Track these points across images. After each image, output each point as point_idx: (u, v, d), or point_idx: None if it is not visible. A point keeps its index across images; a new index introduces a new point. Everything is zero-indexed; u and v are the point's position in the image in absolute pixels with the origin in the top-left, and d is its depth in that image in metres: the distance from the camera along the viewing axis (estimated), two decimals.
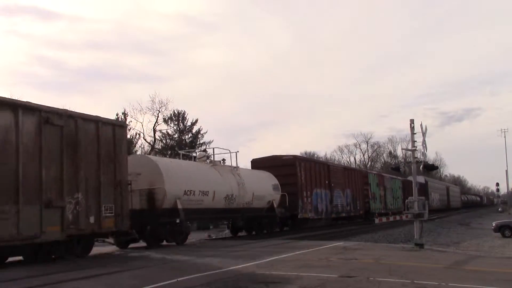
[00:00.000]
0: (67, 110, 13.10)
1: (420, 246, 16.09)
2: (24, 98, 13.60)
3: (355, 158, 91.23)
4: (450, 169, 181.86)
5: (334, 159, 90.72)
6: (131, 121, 45.72)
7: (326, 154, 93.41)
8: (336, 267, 10.70)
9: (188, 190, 17.74)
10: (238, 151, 21.96)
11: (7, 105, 11.12)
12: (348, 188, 32.42)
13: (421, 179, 50.59)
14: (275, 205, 23.60)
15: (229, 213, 21.10)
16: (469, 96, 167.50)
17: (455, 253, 16.98)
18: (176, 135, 48.10)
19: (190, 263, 11.81)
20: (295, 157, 27.70)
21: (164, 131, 47.40)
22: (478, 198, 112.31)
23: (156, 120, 44.83)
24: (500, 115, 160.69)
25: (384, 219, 36.99)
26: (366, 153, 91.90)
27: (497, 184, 78.40)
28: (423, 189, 49.37)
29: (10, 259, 12.67)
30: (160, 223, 16.74)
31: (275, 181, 24.12)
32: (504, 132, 72.88)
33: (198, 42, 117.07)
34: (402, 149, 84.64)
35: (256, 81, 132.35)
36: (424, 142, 16.77)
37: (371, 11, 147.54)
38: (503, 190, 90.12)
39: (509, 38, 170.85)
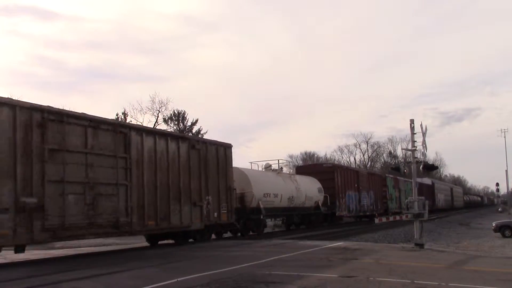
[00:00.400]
0: (202, 137, 19.76)
1: (420, 246, 16.09)
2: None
3: (355, 158, 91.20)
4: (450, 169, 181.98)
5: (334, 159, 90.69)
6: (131, 121, 45.79)
7: (326, 154, 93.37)
8: (336, 267, 10.70)
9: (265, 193, 23.35)
10: (291, 163, 27.35)
11: (171, 136, 17.00)
12: (371, 190, 37.03)
13: (428, 181, 56.67)
14: (320, 204, 28.91)
15: (290, 211, 26.40)
16: (469, 96, 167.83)
17: (455, 253, 16.98)
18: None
19: (190, 263, 11.82)
20: (334, 165, 34.93)
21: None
22: (479, 198, 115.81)
23: (156, 120, 44.90)
24: (500, 115, 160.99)
25: (384, 219, 37.34)
26: (366, 153, 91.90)
27: (497, 184, 78.29)
28: (431, 190, 54.90)
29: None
30: (249, 218, 22.42)
31: (319, 184, 29.49)
32: (504, 132, 72.78)
33: (198, 42, 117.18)
34: (402, 149, 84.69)
35: (256, 81, 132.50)
36: (424, 142, 16.78)
37: (371, 11, 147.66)
38: (503, 190, 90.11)
39: (509, 38, 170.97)
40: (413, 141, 16.92)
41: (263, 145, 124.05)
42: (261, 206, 22.51)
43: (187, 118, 48.78)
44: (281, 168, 27.89)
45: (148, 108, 44.23)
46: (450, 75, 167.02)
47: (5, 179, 10.98)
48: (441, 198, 61.65)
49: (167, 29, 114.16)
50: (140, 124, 33.34)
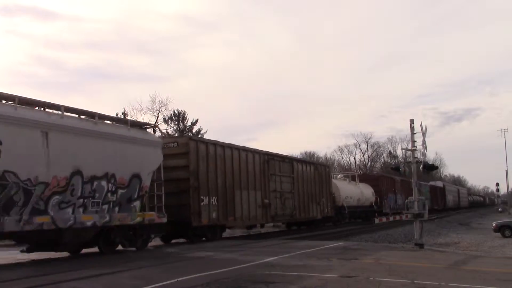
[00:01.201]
0: (318, 161, 39.01)
1: (420, 246, 16.10)
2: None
3: (355, 158, 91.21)
4: (450, 169, 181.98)
5: (334, 159, 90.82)
6: None
7: (326, 154, 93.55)
8: (336, 267, 10.71)
9: (346, 196, 33.96)
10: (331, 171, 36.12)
11: (308, 163, 29.59)
12: (403, 193, 45.19)
13: (440, 184, 67.34)
14: (373, 204, 38.80)
15: (357, 208, 36.24)
16: (469, 96, 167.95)
17: (455, 253, 16.98)
18: (176, 135, 48.10)
19: (190, 263, 11.82)
20: (382, 175, 46.56)
21: (164, 131, 47.42)
22: (482, 199, 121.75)
23: (156, 120, 44.86)
24: (499, 115, 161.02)
25: (384, 219, 37.61)
26: (366, 153, 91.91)
27: (497, 184, 78.50)
28: (442, 192, 64.04)
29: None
30: (339, 213, 32.43)
31: (372, 189, 39.53)
32: (504, 132, 72.87)
33: (198, 42, 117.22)
34: (402, 149, 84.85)
35: (256, 81, 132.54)
36: (424, 142, 16.79)
37: (371, 11, 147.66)
38: (503, 190, 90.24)
39: (509, 38, 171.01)
40: (413, 141, 16.93)
41: (263, 145, 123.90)
42: (345, 204, 33.35)
43: (187, 118, 48.82)
44: (348, 177, 39.85)
45: (148, 108, 44.26)
46: (450, 75, 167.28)
47: (256, 190, 21.68)
48: (450, 198, 69.36)
49: (167, 29, 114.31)
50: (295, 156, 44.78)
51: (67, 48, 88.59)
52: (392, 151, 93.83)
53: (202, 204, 17.77)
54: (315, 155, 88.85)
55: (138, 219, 14.59)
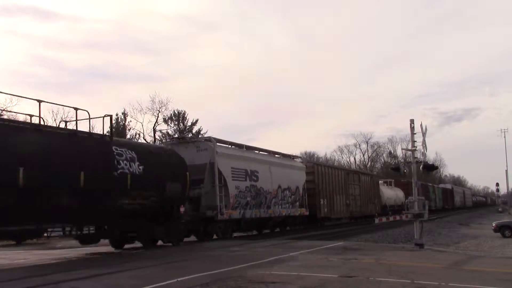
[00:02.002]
0: (374, 174, 52.56)
1: (420, 246, 16.09)
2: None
3: (355, 158, 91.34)
4: (450, 169, 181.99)
5: (334, 159, 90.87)
6: (130, 121, 45.81)
7: (326, 154, 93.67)
8: (336, 267, 10.71)
9: (387, 197, 44.55)
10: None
11: (366, 174, 42.87)
12: (422, 194, 56.10)
13: (449, 186, 79.10)
14: (403, 204, 46.67)
15: (393, 207, 45.17)
16: (468, 96, 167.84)
17: (455, 253, 16.98)
18: (176, 135, 48.10)
19: (190, 263, 11.82)
20: (408, 181, 53.43)
21: (164, 131, 47.43)
22: (484, 199, 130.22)
23: (156, 120, 44.87)
24: (499, 115, 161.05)
25: (384, 219, 37.74)
26: (366, 153, 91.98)
27: (497, 184, 78.44)
28: (451, 193, 73.15)
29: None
30: (383, 211, 41.77)
31: (402, 192, 48.60)
32: (504, 132, 72.82)
33: (198, 42, 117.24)
34: (402, 149, 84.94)
35: (256, 81, 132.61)
36: (424, 142, 16.78)
37: (371, 11, 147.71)
38: (503, 190, 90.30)
39: (508, 38, 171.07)
40: (413, 141, 16.92)
41: (263, 145, 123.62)
42: (386, 204, 43.92)
43: (187, 118, 48.83)
44: (387, 181, 50.43)
45: (148, 108, 44.23)
46: (450, 75, 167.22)
47: (341, 195, 31.61)
48: (457, 199, 78.91)
49: (167, 29, 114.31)
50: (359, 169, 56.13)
51: (67, 48, 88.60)
52: (392, 151, 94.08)
53: (321, 204, 29.02)
54: (315, 155, 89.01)
55: (299, 212, 26.15)
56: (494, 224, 28.40)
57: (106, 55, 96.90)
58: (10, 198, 11.21)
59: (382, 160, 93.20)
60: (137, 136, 44.35)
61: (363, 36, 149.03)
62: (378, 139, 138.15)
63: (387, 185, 49.42)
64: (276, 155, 25.52)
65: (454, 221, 45.87)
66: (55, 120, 36.62)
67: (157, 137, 45.81)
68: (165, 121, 46.83)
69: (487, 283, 8.79)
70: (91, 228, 14.54)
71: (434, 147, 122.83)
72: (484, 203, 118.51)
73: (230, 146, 21.87)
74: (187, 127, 48.82)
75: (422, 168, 17.47)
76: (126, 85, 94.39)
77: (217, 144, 20.25)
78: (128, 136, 43.54)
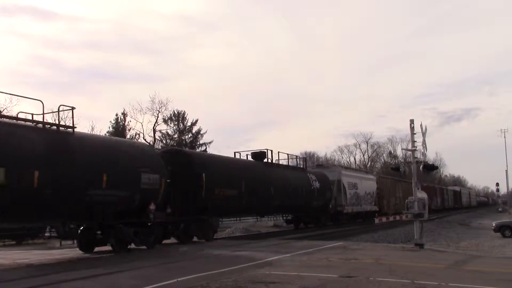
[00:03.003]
0: (407, 181, 36.43)
1: (420, 246, 16.08)
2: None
3: (355, 158, 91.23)
4: (450, 169, 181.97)
5: (334, 159, 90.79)
6: (130, 121, 45.78)
7: (326, 154, 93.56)
8: (336, 267, 10.70)
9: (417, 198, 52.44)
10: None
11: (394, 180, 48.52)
12: (438, 196, 64.02)
13: (457, 188, 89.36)
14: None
15: None
16: (468, 96, 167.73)
17: (455, 253, 16.97)
18: (176, 135, 48.11)
19: (190, 263, 11.82)
20: (428, 185, 59.29)
21: (164, 131, 47.43)
22: (486, 199, 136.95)
23: (156, 120, 44.83)
24: (498, 115, 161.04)
25: (384, 219, 37.80)
26: (366, 153, 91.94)
27: (497, 184, 78.33)
28: (458, 194, 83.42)
29: None
30: None
31: (426, 194, 56.57)
32: (504, 132, 72.73)
33: (197, 42, 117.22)
34: (402, 149, 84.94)
35: (256, 81, 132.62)
36: (424, 142, 16.76)
37: (370, 11, 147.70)
38: (503, 190, 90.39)
39: (508, 38, 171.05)
40: (413, 141, 16.90)
41: (263, 145, 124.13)
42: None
43: (187, 118, 48.81)
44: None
45: (148, 108, 44.17)
46: (449, 75, 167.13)
47: (393, 197, 44.74)
48: (464, 199, 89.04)
49: (167, 29, 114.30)
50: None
51: (67, 48, 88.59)
52: (392, 151, 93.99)
53: (384, 203, 41.35)
54: (315, 155, 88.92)
55: (374, 208, 38.19)
56: (494, 224, 28.40)
57: (106, 55, 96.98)
58: None
59: (382, 160, 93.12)
60: (137, 136, 44.36)
61: (363, 36, 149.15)
62: (378, 139, 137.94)
63: (419, 186, 66.01)
64: (364, 172, 45.13)
65: (454, 221, 45.88)
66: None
67: (157, 137, 45.87)
68: (165, 121, 46.83)
69: (487, 283, 8.79)
70: None
71: (434, 147, 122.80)
72: (486, 203, 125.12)
73: (345, 168, 39.98)
74: (187, 127, 48.81)
75: (422, 168, 17.45)
76: (126, 85, 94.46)
77: (342, 168, 38.12)
78: (128, 136, 43.52)
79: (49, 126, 13.26)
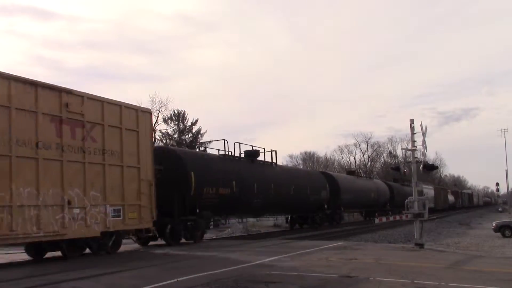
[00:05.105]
0: (445, 188, 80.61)
1: (420, 246, 16.07)
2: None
3: (355, 158, 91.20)
4: (450, 169, 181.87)
5: (334, 159, 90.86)
6: None
7: (326, 154, 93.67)
8: (336, 267, 10.70)
9: (449, 199, 76.98)
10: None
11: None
12: (452, 194, 79.51)
13: (469, 191, 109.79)
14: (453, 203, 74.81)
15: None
16: (467, 96, 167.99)
17: (455, 253, 16.95)
18: (176, 135, 48.11)
19: (190, 263, 11.82)
20: (456, 190, 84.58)
21: (164, 131, 47.47)
22: (489, 199, 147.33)
23: (156, 120, 44.87)
24: (498, 115, 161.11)
25: (384, 219, 37.61)
26: (366, 153, 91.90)
27: (497, 184, 78.48)
28: (471, 196, 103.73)
29: None
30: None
31: (453, 196, 77.73)
32: (504, 132, 72.89)
33: (197, 42, 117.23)
34: (402, 149, 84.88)
35: (255, 81, 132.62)
36: (424, 142, 16.74)
37: (370, 11, 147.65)
38: (503, 190, 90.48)
39: (507, 38, 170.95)
40: (413, 141, 16.89)
41: (263, 145, 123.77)
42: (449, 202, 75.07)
43: (187, 118, 48.83)
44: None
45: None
46: (448, 75, 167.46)
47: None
48: (475, 200, 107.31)
49: (167, 29, 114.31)
50: None
51: (66, 48, 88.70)
52: (392, 151, 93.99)
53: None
54: (315, 155, 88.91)
55: None
56: (494, 224, 28.42)
57: (105, 55, 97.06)
58: None
59: (382, 160, 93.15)
60: None
61: (363, 36, 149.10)
62: (378, 139, 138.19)
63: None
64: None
65: (454, 221, 45.87)
66: None
67: (157, 137, 45.87)
68: (165, 121, 46.89)
69: (487, 283, 8.78)
70: None
71: (434, 147, 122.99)
72: (489, 202, 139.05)
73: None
74: (187, 127, 48.81)
75: (422, 168, 17.43)
76: (126, 85, 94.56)
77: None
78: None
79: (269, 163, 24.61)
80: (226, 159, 21.54)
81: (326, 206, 30.52)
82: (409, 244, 18.71)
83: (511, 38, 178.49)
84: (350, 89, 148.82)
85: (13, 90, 11.47)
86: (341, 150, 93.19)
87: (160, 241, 17.60)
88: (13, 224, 11.02)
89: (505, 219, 33.29)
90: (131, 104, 15.18)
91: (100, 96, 14.09)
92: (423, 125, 16.76)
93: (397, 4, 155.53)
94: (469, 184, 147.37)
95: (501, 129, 73.12)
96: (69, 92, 12.98)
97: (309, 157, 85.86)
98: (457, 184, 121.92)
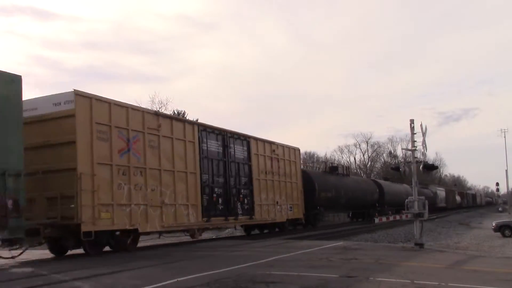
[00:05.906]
0: (458, 190, 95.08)
1: (420, 246, 16.08)
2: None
3: (355, 158, 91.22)
4: (450, 169, 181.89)
5: (334, 159, 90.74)
6: None
7: (326, 154, 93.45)
8: (336, 267, 10.70)
9: (457, 199, 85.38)
10: None
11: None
12: (462, 197, 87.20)
13: (472, 191, 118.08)
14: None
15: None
16: (467, 96, 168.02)
17: (455, 253, 16.96)
18: None
19: (190, 263, 11.83)
20: (461, 191, 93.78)
21: None
22: (491, 199, 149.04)
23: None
24: (497, 115, 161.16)
25: (384, 219, 37.62)
26: (366, 153, 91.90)
27: (497, 184, 78.60)
28: (475, 196, 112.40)
29: None
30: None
31: (460, 197, 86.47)
32: (504, 132, 72.93)
33: (197, 42, 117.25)
34: (402, 149, 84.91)
35: (255, 81, 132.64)
36: (424, 142, 16.74)
37: (370, 11, 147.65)
38: (503, 190, 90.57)
39: (507, 38, 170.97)
40: (413, 141, 16.89)
41: None
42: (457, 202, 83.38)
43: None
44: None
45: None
46: (448, 75, 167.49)
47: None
48: (478, 200, 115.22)
49: (166, 29, 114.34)
50: None
51: (66, 48, 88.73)
52: (392, 151, 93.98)
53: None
54: (315, 155, 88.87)
55: None
56: (494, 224, 28.45)
57: (105, 55, 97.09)
58: None
59: (382, 160, 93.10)
60: None
61: (362, 36, 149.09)
62: (378, 139, 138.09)
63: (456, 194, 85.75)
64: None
65: (454, 220, 45.87)
66: None
67: None
68: None
69: (487, 283, 8.78)
70: None
71: (434, 147, 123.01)
72: (491, 202, 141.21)
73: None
74: None
75: (422, 168, 17.44)
76: (126, 85, 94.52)
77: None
78: None
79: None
80: (326, 173, 33.53)
81: (377, 205, 40.73)
82: (409, 244, 18.73)
83: (511, 38, 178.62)
84: (350, 89, 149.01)
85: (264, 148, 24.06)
86: (341, 150, 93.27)
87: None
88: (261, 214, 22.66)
89: (505, 219, 33.31)
90: (290, 145, 26.41)
91: (283, 144, 25.46)
92: (423, 125, 16.78)
93: (397, 4, 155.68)
94: (469, 184, 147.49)
95: (501, 129, 73.26)
96: (273, 143, 24.32)
97: (309, 157, 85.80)
98: (457, 184, 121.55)
